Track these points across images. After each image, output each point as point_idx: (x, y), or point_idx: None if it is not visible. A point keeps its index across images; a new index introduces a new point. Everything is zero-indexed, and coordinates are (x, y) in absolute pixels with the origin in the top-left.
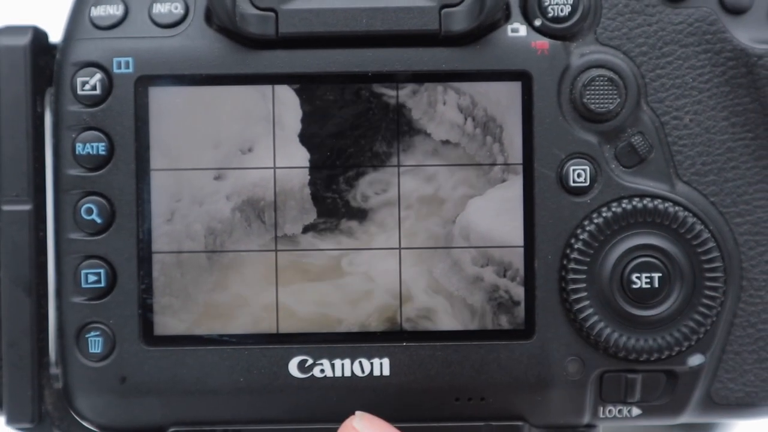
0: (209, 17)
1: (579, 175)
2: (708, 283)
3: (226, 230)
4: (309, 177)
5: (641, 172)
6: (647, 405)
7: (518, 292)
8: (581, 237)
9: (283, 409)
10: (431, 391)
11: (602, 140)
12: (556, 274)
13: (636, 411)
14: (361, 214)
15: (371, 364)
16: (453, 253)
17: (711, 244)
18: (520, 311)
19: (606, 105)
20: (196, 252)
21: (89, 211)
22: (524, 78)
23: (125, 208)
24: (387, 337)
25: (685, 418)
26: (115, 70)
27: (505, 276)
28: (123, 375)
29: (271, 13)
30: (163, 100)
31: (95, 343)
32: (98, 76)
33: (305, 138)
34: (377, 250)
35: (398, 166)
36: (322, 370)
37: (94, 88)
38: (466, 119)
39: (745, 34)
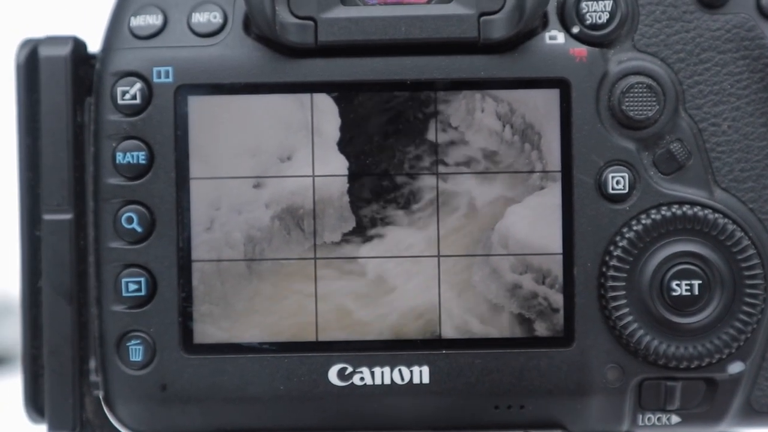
0: (248, 26)
1: (618, 182)
2: (748, 290)
3: (265, 238)
4: (347, 185)
5: (680, 179)
6: (686, 413)
7: (557, 299)
8: (620, 244)
9: (322, 417)
10: (470, 399)
11: (641, 147)
12: (595, 282)
13: (675, 419)
14: (399, 222)
15: (411, 372)
16: (492, 260)
17: (751, 251)
18: (559, 318)
19: (644, 112)
20: (235, 260)
21: (129, 220)
22: (563, 85)
23: (165, 217)
24: (426, 345)
25: (724, 426)
26: (155, 80)
27: (543, 283)
28: (163, 383)
29: (311, 22)
30: (202, 108)
31: (136, 351)
32: (138, 85)
33: (344, 146)
34: (416, 257)
35: (437, 174)
36: (362, 378)
37: (134, 97)
38: (504, 126)
39: None
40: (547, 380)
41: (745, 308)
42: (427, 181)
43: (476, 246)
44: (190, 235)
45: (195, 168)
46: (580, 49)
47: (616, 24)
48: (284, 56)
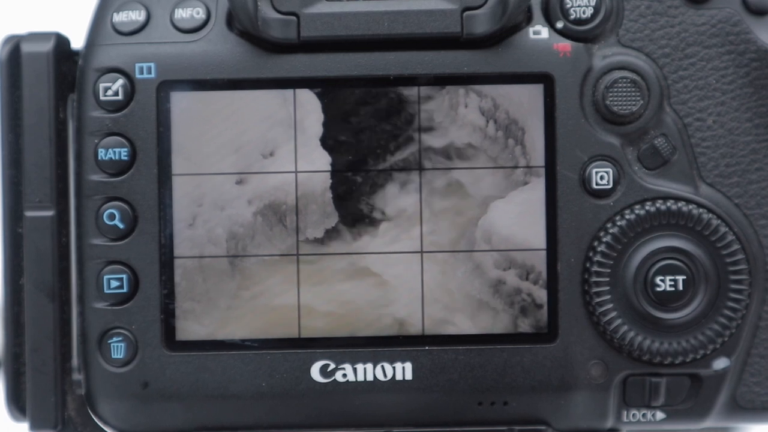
0: (231, 22)
1: (602, 178)
2: (733, 286)
3: (248, 235)
4: (331, 181)
5: (664, 174)
6: (671, 409)
7: (541, 295)
8: (604, 240)
9: (305, 414)
10: (454, 396)
11: (625, 142)
12: (579, 277)
13: (660, 415)
14: (383, 218)
15: (393, 368)
16: (475, 256)
17: (735, 246)
18: (543, 314)
19: (629, 107)
20: (218, 257)
21: (111, 217)
22: (546, 80)
23: (147, 214)
24: (409, 342)
25: (709, 423)
26: (138, 76)
27: (527, 279)
28: (145, 380)
29: (293, 18)
30: (184, 105)
31: (118, 349)
32: (120, 81)
33: (327, 142)
34: (399, 254)
35: (420, 169)
36: (345, 375)
37: (116, 93)
38: (487, 122)
39: None
40: (530, 376)
41: (730, 303)
42: (410, 177)
43: (459, 242)
44: (172, 231)
45: (177, 164)
46: (564, 44)
47: (600, 19)
48: (267, 52)
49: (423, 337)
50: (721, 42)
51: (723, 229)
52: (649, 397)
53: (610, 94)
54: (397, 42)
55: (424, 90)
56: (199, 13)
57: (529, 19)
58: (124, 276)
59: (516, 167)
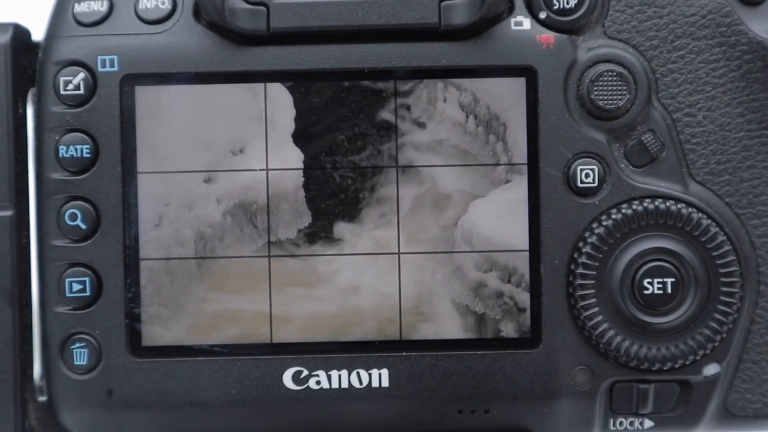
0: (198, 13)
1: (587, 176)
2: (724, 289)
3: (216, 235)
4: (303, 179)
5: (652, 172)
6: (660, 417)
7: (524, 298)
8: (590, 240)
9: (277, 422)
10: (433, 403)
11: (611, 138)
12: (563, 280)
13: (648, 423)
14: (358, 218)
15: (369, 375)
16: (455, 257)
17: (726, 248)
18: (526, 318)
19: (615, 101)
20: (185, 258)
21: (73, 217)
22: (529, 73)
23: (111, 213)
24: (386, 347)
25: (700, 431)
26: (100, 69)
27: (509, 281)
28: (110, 388)
29: (262, 8)
30: (149, 99)
31: (80, 355)
32: (82, 75)
33: (299, 138)
34: (375, 255)
35: (396, 166)
36: (318, 382)
37: (77, 87)
38: (467, 117)
39: (762, 27)
40: (513, 383)
41: (721, 307)
42: (386, 175)
43: (438, 243)
44: (137, 232)
45: (142, 162)
46: (548, 36)
47: (585, 9)
48: (236, 44)
49: (400, 342)
50: (712, 34)
51: (713, 229)
52: (637, 405)
53: (596, 88)
54: (372, 33)
55: (401, 84)
56: (165, 4)
57: (510, 10)
58: (87, 279)
59: (497, 165)
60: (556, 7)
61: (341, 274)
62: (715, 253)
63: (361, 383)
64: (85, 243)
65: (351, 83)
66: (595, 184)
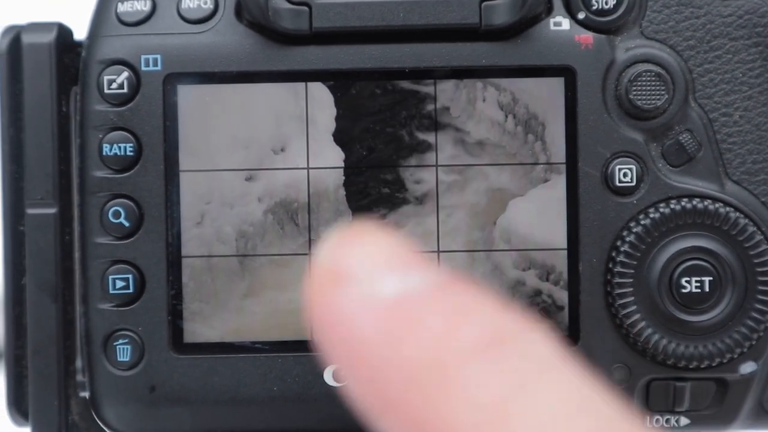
0: (240, 12)
1: (625, 175)
2: (761, 287)
3: (258, 233)
4: (344, 177)
5: (689, 172)
6: (696, 414)
7: (562, 296)
8: (627, 239)
9: (317, 419)
10: None
11: (649, 138)
12: (601, 278)
13: (684, 420)
14: (397, 216)
15: None
16: (493, 256)
17: (764, 247)
18: (564, 317)
19: (653, 101)
20: (227, 256)
21: (117, 215)
22: (567, 73)
23: (154, 211)
24: None
25: (735, 428)
26: (143, 68)
27: (548, 280)
28: (152, 384)
29: (305, 8)
30: (192, 98)
31: (123, 351)
32: (125, 74)
33: (340, 137)
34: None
35: (436, 165)
36: None
37: (121, 86)
38: (506, 117)
39: None
40: None
41: (758, 306)
42: (426, 174)
43: (477, 241)
44: (179, 230)
45: (185, 160)
46: (586, 36)
47: (623, 10)
48: (278, 43)
49: None
50: (748, 34)
51: (751, 228)
52: (673, 402)
53: (634, 88)
54: (413, 33)
55: (441, 83)
56: (207, 3)
57: (549, 10)
58: (130, 276)
59: (536, 164)
60: (594, 8)
61: None
62: (752, 252)
63: None
64: (128, 240)
65: (391, 83)
66: (633, 184)
